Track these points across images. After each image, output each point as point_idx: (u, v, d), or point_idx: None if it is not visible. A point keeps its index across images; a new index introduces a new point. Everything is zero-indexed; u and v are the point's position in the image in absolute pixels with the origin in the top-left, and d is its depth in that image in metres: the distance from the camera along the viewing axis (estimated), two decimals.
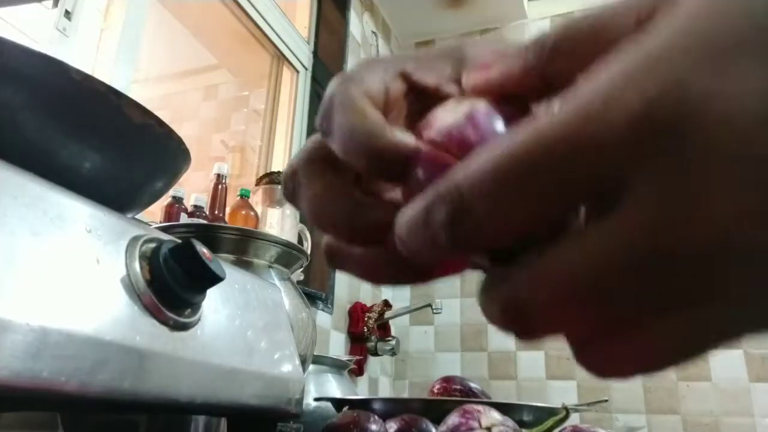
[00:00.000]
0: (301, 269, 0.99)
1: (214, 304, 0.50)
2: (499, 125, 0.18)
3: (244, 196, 1.14)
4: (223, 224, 1.08)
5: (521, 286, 0.15)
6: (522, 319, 0.15)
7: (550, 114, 0.14)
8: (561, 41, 0.18)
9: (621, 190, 0.14)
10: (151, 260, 0.44)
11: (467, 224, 0.15)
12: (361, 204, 0.20)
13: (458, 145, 0.18)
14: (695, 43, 0.13)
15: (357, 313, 1.79)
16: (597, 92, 0.14)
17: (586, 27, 0.17)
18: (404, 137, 0.19)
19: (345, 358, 1.32)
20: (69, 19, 1.03)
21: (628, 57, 0.14)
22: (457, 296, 2.11)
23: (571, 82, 0.17)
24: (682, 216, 0.13)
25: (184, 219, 1.05)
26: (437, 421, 0.72)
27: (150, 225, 0.71)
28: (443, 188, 0.16)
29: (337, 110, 0.19)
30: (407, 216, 0.17)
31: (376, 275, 0.22)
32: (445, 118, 0.19)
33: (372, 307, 1.83)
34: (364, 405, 0.84)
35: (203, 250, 0.45)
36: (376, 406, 0.84)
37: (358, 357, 1.65)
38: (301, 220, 1.17)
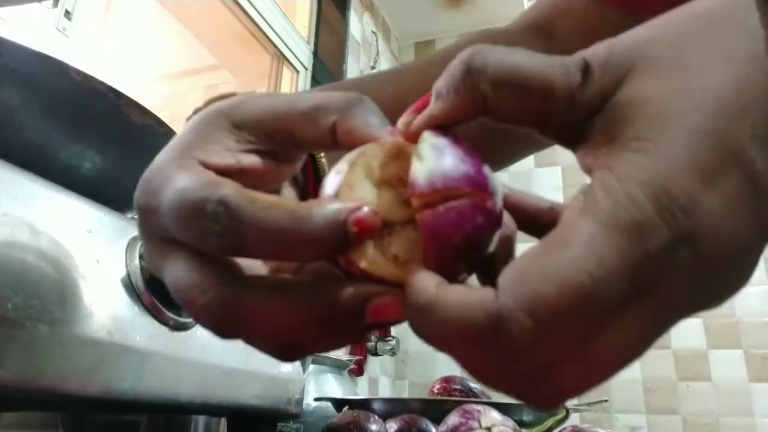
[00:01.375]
0: None
1: None
2: (465, 156, 0.19)
3: None
4: None
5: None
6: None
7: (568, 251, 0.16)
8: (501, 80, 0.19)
9: (642, 293, 0.17)
10: None
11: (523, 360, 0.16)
12: (335, 288, 0.19)
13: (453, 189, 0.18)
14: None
15: None
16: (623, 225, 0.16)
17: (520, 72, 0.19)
18: (331, 204, 0.18)
19: (345, 358, 1.32)
20: (69, 19, 1.03)
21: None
22: None
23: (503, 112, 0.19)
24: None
25: None
26: (437, 421, 0.72)
27: None
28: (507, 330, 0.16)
29: (235, 219, 0.18)
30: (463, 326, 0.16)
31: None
32: (416, 169, 0.19)
33: None
34: (364, 405, 0.84)
35: None
36: (376, 406, 0.84)
37: (358, 357, 1.64)
38: None
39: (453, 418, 0.69)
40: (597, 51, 0.19)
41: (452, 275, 0.19)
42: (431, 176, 0.18)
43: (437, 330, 0.17)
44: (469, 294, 0.17)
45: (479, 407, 0.69)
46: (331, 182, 0.20)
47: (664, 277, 0.16)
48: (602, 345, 0.16)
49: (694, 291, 0.17)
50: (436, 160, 0.19)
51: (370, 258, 0.19)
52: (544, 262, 0.16)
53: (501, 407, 0.72)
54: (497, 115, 0.19)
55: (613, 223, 0.16)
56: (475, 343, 0.16)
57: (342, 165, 0.20)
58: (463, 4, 2.26)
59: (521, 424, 0.74)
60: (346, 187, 0.19)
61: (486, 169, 0.19)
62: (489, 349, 0.16)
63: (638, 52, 0.18)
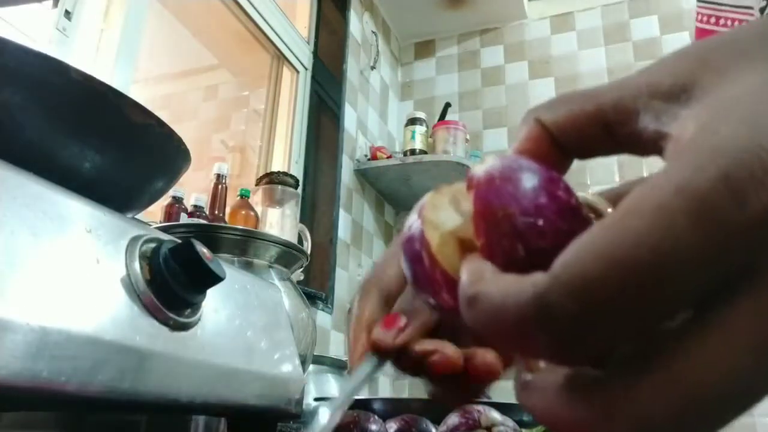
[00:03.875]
0: (301, 269, 0.99)
1: (214, 304, 0.50)
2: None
3: (244, 196, 1.14)
4: (223, 224, 1.08)
5: (652, 400, 0.13)
6: None
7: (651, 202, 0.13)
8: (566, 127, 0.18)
9: (748, 275, 0.13)
10: (151, 260, 0.44)
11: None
12: None
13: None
14: None
15: None
16: (709, 177, 0.12)
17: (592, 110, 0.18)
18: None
19: (345, 358, 1.32)
20: (69, 19, 1.03)
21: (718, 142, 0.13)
22: None
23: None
24: None
25: (184, 219, 1.05)
26: (437, 421, 0.72)
27: (150, 225, 0.71)
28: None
29: None
30: (503, 294, 0.15)
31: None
32: (476, 167, 0.18)
33: None
34: (364, 405, 0.84)
35: (203, 250, 0.45)
36: (376, 406, 0.84)
37: None
38: (301, 220, 1.17)
39: (453, 418, 0.69)
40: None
41: (510, 262, 0.16)
42: (489, 168, 0.17)
43: (485, 321, 0.15)
44: (518, 279, 0.15)
45: (479, 407, 0.69)
46: (420, 203, 0.20)
47: None
48: (692, 354, 0.13)
49: None
50: (498, 160, 0.18)
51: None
52: (601, 235, 0.13)
53: (501, 407, 0.72)
54: (566, 141, 0.18)
55: (691, 185, 0.12)
56: (523, 331, 0.14)
57: (430, 192, 0.20)
58: (463, 4, 2.26)
59: (521, 424, 0.74)
60: (431, 206, 0.19)
61: (563, 181, 0.18)
62: (539, 339, 0.14)
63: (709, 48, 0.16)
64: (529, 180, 0.17)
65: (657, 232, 0.12)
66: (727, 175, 0.12)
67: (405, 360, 0.22)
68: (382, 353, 0.23)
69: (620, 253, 0.13)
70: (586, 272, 0.13)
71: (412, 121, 2.00)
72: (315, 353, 0.93)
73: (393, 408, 0.82)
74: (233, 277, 0.57)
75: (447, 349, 0.21)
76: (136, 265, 0.43)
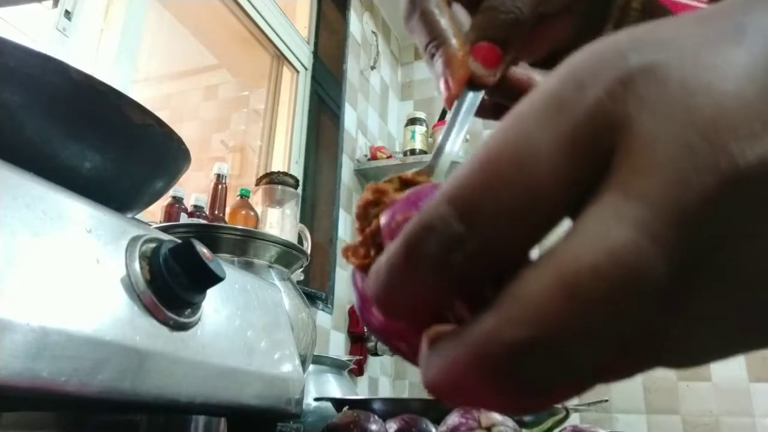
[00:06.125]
0: (301, 269, 0.99)
1: (214, 304, 0.50)
2: None
3: (244, 196, 1.14)
4: (223, 224, 1.08)
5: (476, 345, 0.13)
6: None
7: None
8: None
9: (613, 161, 0.12)
10: (151, 260, 0.44)
11: (468, 247, 0.13)
12: None
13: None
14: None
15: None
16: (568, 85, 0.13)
17: None
18: None
19: (345, 358, 1.32)
20: (69, 19, 1.03)
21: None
22: None
23: None
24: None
25: (184, 219, 1.05)
26: (437, 421, 0.72)
27: (150, 225, 0.71)
28: (429, 214, 0.13)
29: None
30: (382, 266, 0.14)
31: None
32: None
33: None
34: (364, 405, 0.84)
35: (203, 250, 0.45)
36: (376, 406, 0.84)
37: (358, 357, 1.64)
38: (301, 220, 1.17)
39: (453, 418, 0.69)
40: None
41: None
42: (394, 206, 0.18)
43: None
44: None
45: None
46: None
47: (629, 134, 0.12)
48: (570, 242, 0.12)
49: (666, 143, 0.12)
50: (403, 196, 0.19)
51: None
52: (480, 151, 0.13)
53: None
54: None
55: (541, 87, 0.13)
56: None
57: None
58: None
59: (521, 424, 0.74)
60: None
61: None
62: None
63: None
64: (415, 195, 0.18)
65: (513, 134, 0.13)
66: (571, 72, 0.13)
67: (499, 90, 0.27)
68: (480, 87, 0.27)
69: (489, 157, 0.13)
70: (464, 181, 0.13)
71: (412, 121, 2.00)
72: (315, 353, 0.93)
73: (393, 408, 0.82)
74: (233, 277, 0.57)
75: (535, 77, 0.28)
76: (136, 265, 0.43)
